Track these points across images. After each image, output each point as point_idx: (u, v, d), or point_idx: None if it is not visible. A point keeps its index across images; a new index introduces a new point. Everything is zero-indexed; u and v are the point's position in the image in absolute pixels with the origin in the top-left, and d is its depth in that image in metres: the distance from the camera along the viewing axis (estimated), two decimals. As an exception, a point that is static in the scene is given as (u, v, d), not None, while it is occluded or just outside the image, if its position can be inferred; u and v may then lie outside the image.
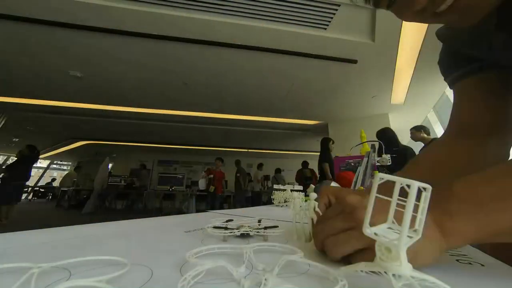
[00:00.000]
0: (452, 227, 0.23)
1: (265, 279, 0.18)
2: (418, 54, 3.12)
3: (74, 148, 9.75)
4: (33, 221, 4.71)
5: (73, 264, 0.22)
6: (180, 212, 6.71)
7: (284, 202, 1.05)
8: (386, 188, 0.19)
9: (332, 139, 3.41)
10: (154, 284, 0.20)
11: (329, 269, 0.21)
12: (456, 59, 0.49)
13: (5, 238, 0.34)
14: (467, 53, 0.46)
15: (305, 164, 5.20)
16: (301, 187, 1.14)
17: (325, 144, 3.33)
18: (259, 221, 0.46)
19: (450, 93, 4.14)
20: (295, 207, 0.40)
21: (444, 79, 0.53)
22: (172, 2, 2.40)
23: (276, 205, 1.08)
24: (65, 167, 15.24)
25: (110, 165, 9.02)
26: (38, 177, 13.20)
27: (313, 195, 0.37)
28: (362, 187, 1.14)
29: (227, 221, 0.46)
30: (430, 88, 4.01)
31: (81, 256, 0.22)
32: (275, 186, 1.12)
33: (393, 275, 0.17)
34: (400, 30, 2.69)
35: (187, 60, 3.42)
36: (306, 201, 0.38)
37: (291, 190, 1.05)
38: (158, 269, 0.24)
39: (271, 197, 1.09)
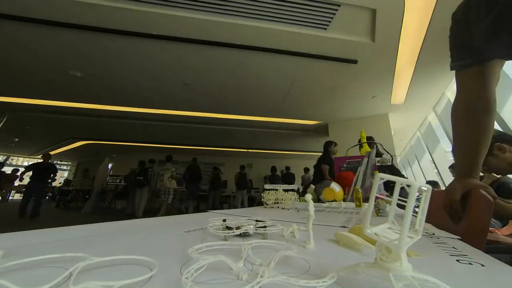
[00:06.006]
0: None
1: (262, 271, 0.19)
2: (418, 54, 3.12)
3: (74, 148, 9.74)
4: (32, 220, 4.69)
5: (72, 264, 0.22)
6: (180, 212, 6.70)
7: (275, 203, 0.99)
8: None
9: (335, 142, 3.42)
10: (159, 275, 0.21)
11: (326, 263, 0.21)
12: (462, 50, 0.62)
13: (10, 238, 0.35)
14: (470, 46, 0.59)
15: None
16: (294, 187, 1.10)
17: (327, 147, 3.36)
18: (258, 221, 0.46)
19: (450, 94, 4.13)
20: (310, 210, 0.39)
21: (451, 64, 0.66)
22: (172, 2, 2.40)
23: (265, 207, 0.99)
24: (65, 167, 15.22)
25: (110, 165, 9.01)
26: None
27: (308, 196, 0.37)
28: (358, 187, 1.14)
29: (226, 220, 0.46)
30: (430, 88, 4.01)
31: (81, 255, 0.22)
32: (267, 186, 1.05)
33: (394, 275, 0.17)
34: (400, 30, 2.69)
35: (187, 60, 3.42)
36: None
37: (284, 190, 1.00)
38: (161, 265, 0.24)
39: (262, 200, 1.00)
